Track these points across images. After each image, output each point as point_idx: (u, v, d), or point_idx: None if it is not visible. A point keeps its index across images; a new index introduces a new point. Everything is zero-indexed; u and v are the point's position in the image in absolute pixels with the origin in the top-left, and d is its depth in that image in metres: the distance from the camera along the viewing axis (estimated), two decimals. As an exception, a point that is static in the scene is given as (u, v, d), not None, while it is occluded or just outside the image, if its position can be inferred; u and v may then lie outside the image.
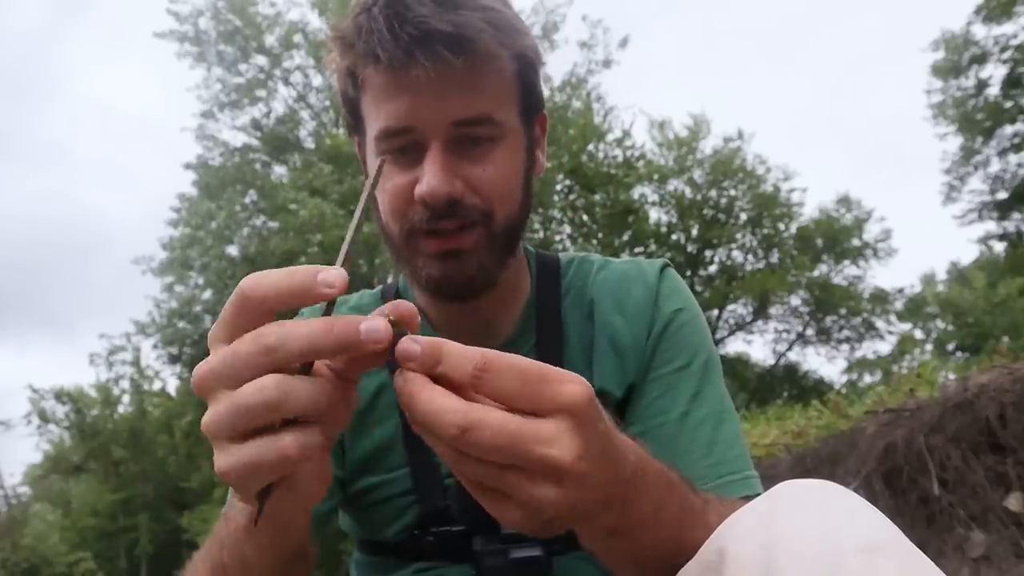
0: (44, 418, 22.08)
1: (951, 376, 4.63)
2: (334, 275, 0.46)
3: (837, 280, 18.16)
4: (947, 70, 15.59)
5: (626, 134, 16.58)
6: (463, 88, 0.76)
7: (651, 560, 0.59)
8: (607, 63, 16.65)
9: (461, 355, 0.46)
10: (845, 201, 18.26)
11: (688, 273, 17.33)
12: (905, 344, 19.80)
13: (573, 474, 0.46)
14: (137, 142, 40.92)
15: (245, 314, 0.47)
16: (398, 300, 0.49)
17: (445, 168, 0.76)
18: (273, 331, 0.45)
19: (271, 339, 0.45)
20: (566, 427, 0.46)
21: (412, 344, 0.46)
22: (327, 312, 0.49)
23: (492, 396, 0.46)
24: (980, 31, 14.49)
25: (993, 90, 14.90)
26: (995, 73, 14.67)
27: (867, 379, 19.32)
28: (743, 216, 17.50)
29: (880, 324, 18.77)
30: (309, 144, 17.40)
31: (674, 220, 17.50)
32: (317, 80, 16.98)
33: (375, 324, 0.45)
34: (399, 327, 0.47)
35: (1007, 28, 13.79)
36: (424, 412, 0.45)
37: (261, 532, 0.57)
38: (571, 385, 0.46)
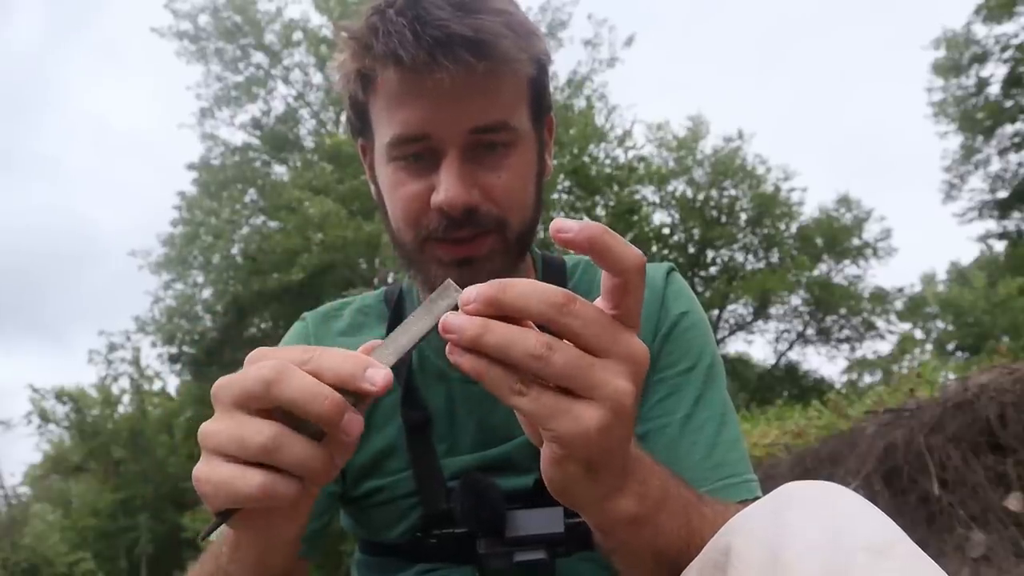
0: (44, 418, 22.08)
1: (951, 376, 4.64)
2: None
3: (837, 280, 18.16)
4: (948, 69, 15.59)
5: (627, 134, 16.58)
6: (481, 94, 0.75)
7: (666, 551, 0.60)
8: (612, 62, 16.63)
9: (627, 246, 0.49)
10: (845, 201, 18.27)
11: (689, 274, 17.32)
12: (905, 344, 19.79)
13: (643, 368, 0.50)
14: (131, 154, 41.26)
15: (260, 403, 0.50)
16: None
17: (463, 177, 0.76)
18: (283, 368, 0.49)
19: (281, 373, 0.49)
20: (630, 372, 0.49)
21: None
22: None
23: (568, 328, 0.47)
24: (981, 30, 14.51)
25: (994, 89, 14.90)
26: (996, 72, 14.69)
27: (867, 379, 19.34)
28: (743, 216, 17.50)
29: (880, 324, 18.77)
30: (309, 143, 17.40)
31: (675, 221, 17.51)
32: (317, 78, 16.97)
33: (358, 425, 0.49)
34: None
35: (1008, 27, 13.80)
36: (524, 289, 0.47)
37: (243, 552, 0.61)
38: (640, 342, 0.50)
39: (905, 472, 3.40)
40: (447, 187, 0.75)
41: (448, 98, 0.73)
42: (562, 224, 0.47)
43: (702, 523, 0.61)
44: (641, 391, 0.51)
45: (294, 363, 0.49)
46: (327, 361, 0.49)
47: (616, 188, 16.25)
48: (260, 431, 0.48)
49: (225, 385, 0.50)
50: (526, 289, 0.47)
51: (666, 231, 17.54)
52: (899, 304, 19.55)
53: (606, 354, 0.48)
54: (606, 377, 0.48)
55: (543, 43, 0.80)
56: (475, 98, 0.75)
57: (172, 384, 21.52)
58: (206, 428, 0.50)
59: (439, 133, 0.76)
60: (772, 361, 19.43)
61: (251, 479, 0.48)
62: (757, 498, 0.79)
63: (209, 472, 0.49)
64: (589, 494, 0.53)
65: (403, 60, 0.71)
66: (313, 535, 0.89)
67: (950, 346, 20.25)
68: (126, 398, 22.24)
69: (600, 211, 16.56)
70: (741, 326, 18.72)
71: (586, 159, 15.77)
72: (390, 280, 13.93)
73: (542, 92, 0.84)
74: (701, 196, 17.10)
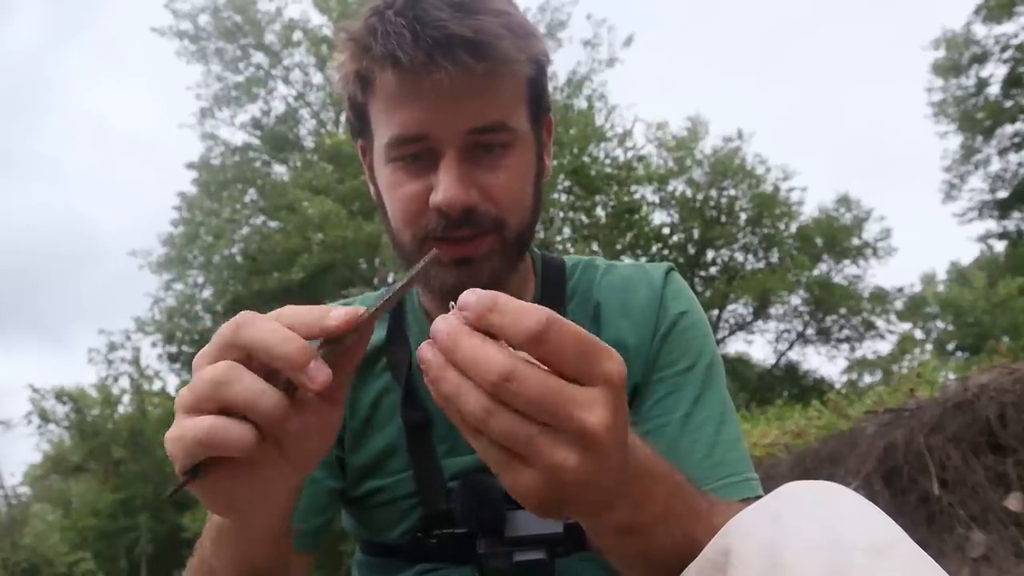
0: (44, 418, 22.08)
1: (951, 376, 4.64)
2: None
3: (837, 280, 18.16)
4: (948, 69, 15.60)
5: (627, 133, 16.58)
6: (479, 95, 0.75)
7: (661, 560, 0.59)
8: (611, 62, 16.64)
9: (521, 309, 0.45)
10: (844, 200, 18.27)
11: (689, 274, 17.33)
12: (905, 344, 19.79)
13: (601, 443, 0.45)
14: (131, 154, 41.26)
15: (231, 352, 0.50)
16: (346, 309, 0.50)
17: (461, 178, 0.76)
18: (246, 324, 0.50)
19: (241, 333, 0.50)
20: (604, 398, 0.45)
21: (469, 294, 0.46)
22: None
23: (545, 358, 0.45)
24: (981, 30, 14.53)
25: (993, 89, 14.91)
26: (995, 72, 14.70)
27: (867, 379, 19.33)
28: (743, 216, 17.50)
29: (880, 324, 18.76)
30: (309, 143, 17.41)
31: (675, 221, 17.52)
32: (317, 78, 16.99)
33: (322, 372, 0.48)
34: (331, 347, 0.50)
35: (1007, 27, 13.81)
36: (466, 357, 0.45)
37: (224, 548, 0.61)
38: (615, 361, 0.46)
39: (905, 472, 3.40)
40: (445, 187, 0.75)
41: (446, 99, 0.73)
42: (462, 301, 0.46)
43: (707, 533, 0.59)
44: (600, 462, 0.47)
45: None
46: (292, 312, 0.50)
47: (616, 188, 16.25)
48: (215, 367, 0.49)
49: (202, 350, 0.51)
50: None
51: (666, 231, 17.55)
52: (899, 304, 19.57)
53: (581, 379, 0.46)
54: (546, 450, 0.45)
55: (542, 44, 0.80)
56: (473, 99, 0.75)
57: (172, 384, 21.51)
58: (179, 394, 0.51)
59: (437, 134, 0.76)
60: (772, 361, 19.44)
61: (200, 423, 0.48)
62: (759, 496, 0.79)
63: (171, 430, 0.50)
64: (561, 517, 0.52)
65: (401, 61, 0.71)
66: (316, 531, 0.89)
67: (950, 346, 20.26)
68: (126, 398, 22.24)
69: (600, 211, 16.57)
70: (741, 326, 18.72)
71: (586, 159, 15.77)
72: (390, 280, 13.94)
73: (541, 93, 0.83)
74: (701, 196, 17.10)
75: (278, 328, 0.48)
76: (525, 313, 0.44)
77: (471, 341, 0.45)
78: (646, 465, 0.55)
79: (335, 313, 0.49)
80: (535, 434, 0.45)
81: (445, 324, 0.46)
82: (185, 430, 0.48)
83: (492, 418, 0.45)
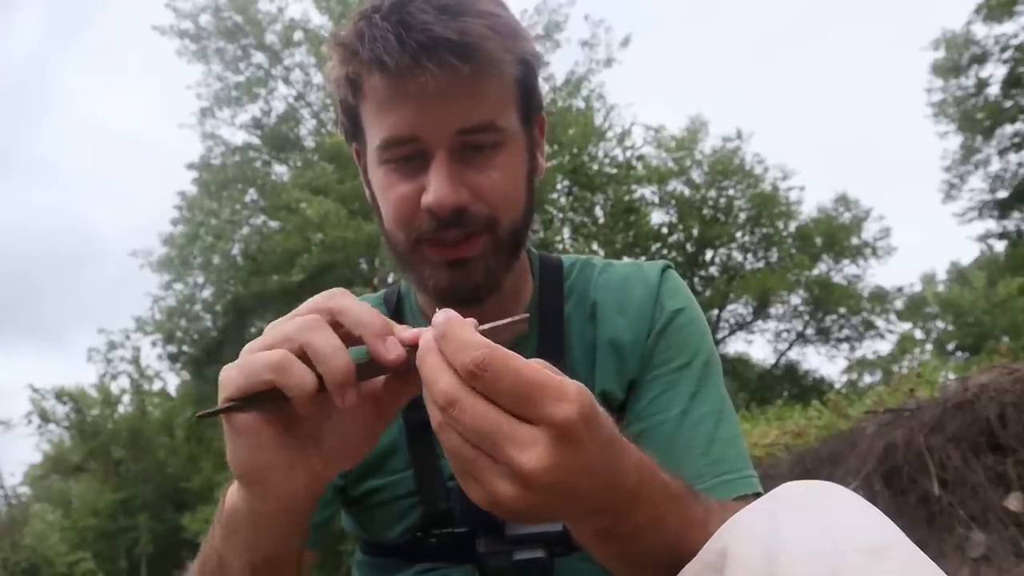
0: (44, 418, 22.07)
1: (951, 376, 4.64)
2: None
3: (836, 279, 18.16)
4: (947, 69, 15.60)
5: (626, 133, 16.59)
6: (467, 96, 0.75)
7: (644, 564, 0.59)
8: (608, 62, 16.65)
9: (463, 343, 0.47)
10: (843, 200, 18.27)
11: (688, 273, 17.34)
12: (905, 344, 19.79)
13: (536, 483, 0.46)
14: (130, 156, 41.24)
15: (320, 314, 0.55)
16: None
17: (451, 178, 0.76)
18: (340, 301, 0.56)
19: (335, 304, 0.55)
20: (545, 438, 0.46)
21: (438, 315, 0.50)
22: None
23: (483, 393, 0.47)
24: (980, 30, 14.53)
25: (993, 89, 14.91)
26: (995, 72, 14.71)
27: (867, 379, 19.33)
28: (742, 216, 17.51)
29: (880, 323, 18.77)
30: (309, 143, 17.40)
31: (674, 220, 17.52)
32: (317, 78, 16.96)
33: (396, 348, 0.53)
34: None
35: (1007, 27, 13.81)
36: (425, 376, 0.49)
37: (237, 528, 0.61)
38: (564, 404, 0.46)
39: (905, 472, 3.40)
40: (436, 188, 0.76)
41: (434, 100, 0.74)
42: (434, 320, 0.50)
43: (701, 540, 0.58)
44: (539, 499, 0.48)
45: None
46: (352, 305, 0.55)
47: (615, 187, 16.26)
48: (304, 317, 0.53)
49: (293, 311, 0.56)
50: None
51: (665, 231, 17.55)
52: (899, 304, 19.58)
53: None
54: (486, 477, 0.48)
55: (530, 44, 0.81)
56: (461, 100, 0.75)
57: (172, 384, 21.52)
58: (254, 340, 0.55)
59: (427, 135, 0.76)
60: (772, 361, 19.45)
61: (274, 353, 0.51)
62: (757, 494, 0.79)
63: (237, 361, 0.53)
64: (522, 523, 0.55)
65: (388, 65, 0.72)
66: (318, 526, 0.89)
67: (950, 346, 20.26)
68: (126, 398, 22.25)
69: (599, 211, 16.57)
70: (741, 326, 18.72)
71: (585, 159, 15.78)
72: (390, 280, 13.94)
73: (531, 92, 0.84)
74: (700, 196, 17.11)
75: (368, 305, 0.55)
76: (465, 348, 0.47)
77: (431, 360, 0.49)
78: (642, 482, 0.54)
79: (391, 342, 0.53)
80: (476, 458, 0.48)
81: (423, 338, 0.50)
82: (255, 357, 0.52)
83: (443, 433, 0.49)
